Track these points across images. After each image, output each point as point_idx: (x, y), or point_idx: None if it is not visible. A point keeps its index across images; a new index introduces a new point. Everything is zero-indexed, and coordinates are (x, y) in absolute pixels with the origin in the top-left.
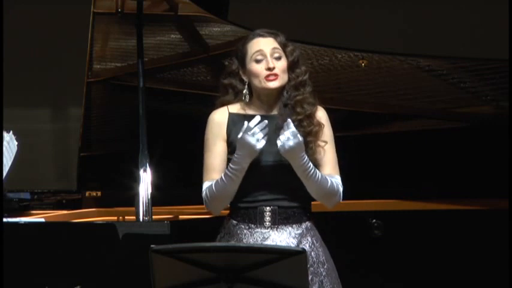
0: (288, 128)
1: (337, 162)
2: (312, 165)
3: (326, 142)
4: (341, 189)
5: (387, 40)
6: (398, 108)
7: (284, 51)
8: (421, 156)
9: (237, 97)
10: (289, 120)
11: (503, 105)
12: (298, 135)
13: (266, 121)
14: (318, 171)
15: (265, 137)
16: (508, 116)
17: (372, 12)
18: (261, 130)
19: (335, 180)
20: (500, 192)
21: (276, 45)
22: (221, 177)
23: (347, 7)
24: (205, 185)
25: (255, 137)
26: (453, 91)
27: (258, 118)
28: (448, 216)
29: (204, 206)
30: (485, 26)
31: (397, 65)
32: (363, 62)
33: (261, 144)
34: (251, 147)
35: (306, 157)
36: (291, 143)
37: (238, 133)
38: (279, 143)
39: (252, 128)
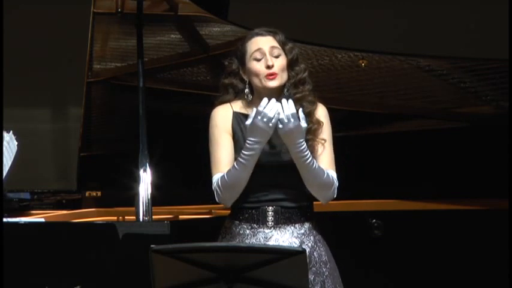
0: (289, 109)
1: (333, 159)
2: (309, 153)
3: (325, 140)
4: (336, 184)
5: (387, 40)
6: (398, 108)
7: (283, 49)
8: (421, 156)
9: (237, 97)
10: (290, 101)
11: (503, 105)
12: (303, 121)
13: (274, 100)
14: (315, 161)
15: (276, 117)
16: (508, 116)
17: (372, 12)
18: (269, 111)
19: (331, 173)
20: (500, 192)
21: (275, 43)
22: (233, 165)
23: (347, 7)
24: (216, 177)
25: (265, 120)
26: (453, 91)
27: (265, 100)
28: (448, 216)
29: (204, 206)
30: (485, 26)
31: (397, 65)
32: (363, 62)
33: (272, 126)
34: (263, 131)
35: (305, 144)
36: (291, 125)
37: (242, 134)
38: (279, 124)
39: (262, 112)
